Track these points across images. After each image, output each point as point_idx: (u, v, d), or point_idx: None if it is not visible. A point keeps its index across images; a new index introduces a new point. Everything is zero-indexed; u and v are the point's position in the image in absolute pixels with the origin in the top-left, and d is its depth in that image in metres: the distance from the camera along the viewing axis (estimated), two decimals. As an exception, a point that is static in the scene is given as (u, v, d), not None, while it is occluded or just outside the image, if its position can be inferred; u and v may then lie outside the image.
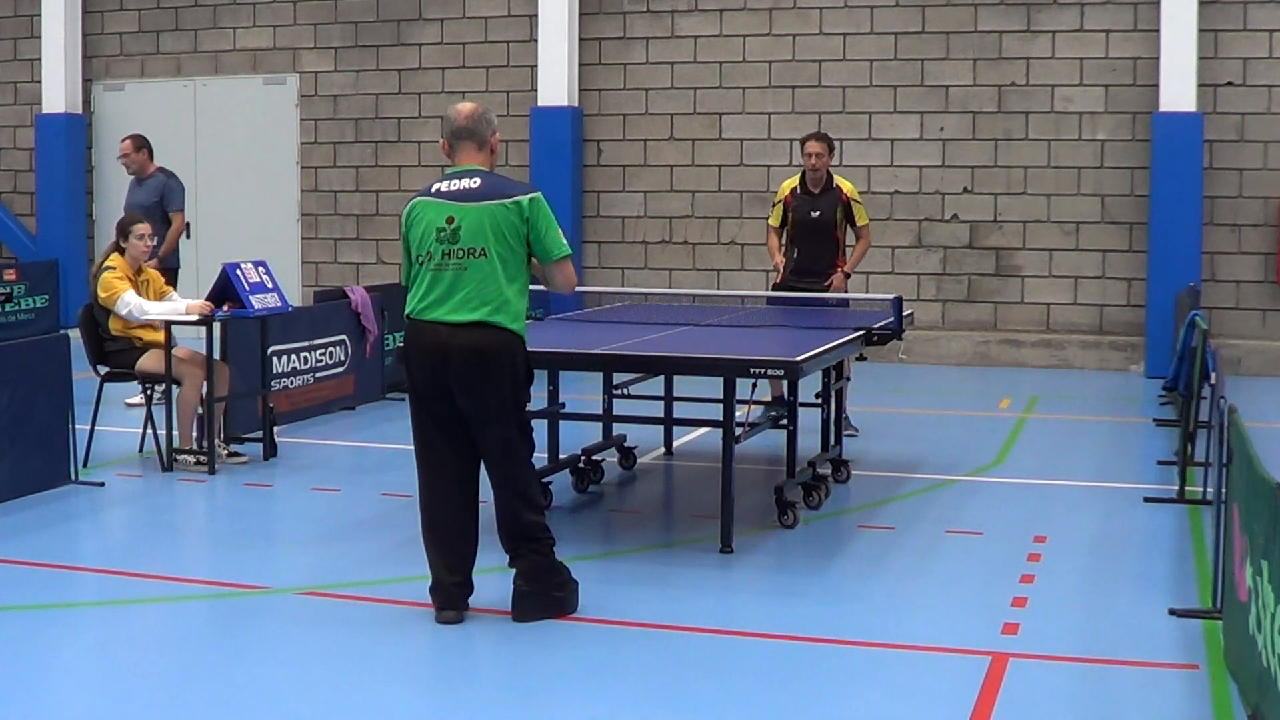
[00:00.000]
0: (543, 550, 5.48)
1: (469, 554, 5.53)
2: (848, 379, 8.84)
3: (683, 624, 5.43)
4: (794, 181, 9.73)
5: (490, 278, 5.27)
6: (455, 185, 5.37)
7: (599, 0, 14.57)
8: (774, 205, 9.82)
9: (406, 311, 5.43)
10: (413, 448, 5.59)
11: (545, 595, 5.47)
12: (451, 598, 5.47)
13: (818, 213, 9.52)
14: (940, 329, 13.84)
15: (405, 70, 15.29)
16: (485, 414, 5.37)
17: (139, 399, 9.20)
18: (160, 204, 10.81)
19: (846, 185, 9.66)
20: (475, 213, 5.28)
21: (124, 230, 8.52)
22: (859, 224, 9.60)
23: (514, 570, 5.50)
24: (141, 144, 11.11)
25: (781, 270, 9.63)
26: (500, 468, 5.46)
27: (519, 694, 4.71)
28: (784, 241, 9.70)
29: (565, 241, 5.46)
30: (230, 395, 8.62)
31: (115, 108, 16.30)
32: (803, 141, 9.70)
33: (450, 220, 5.29)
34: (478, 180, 5.37)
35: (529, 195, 5.37)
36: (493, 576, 5.79)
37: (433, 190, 5.42)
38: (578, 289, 5.92)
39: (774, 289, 9.84)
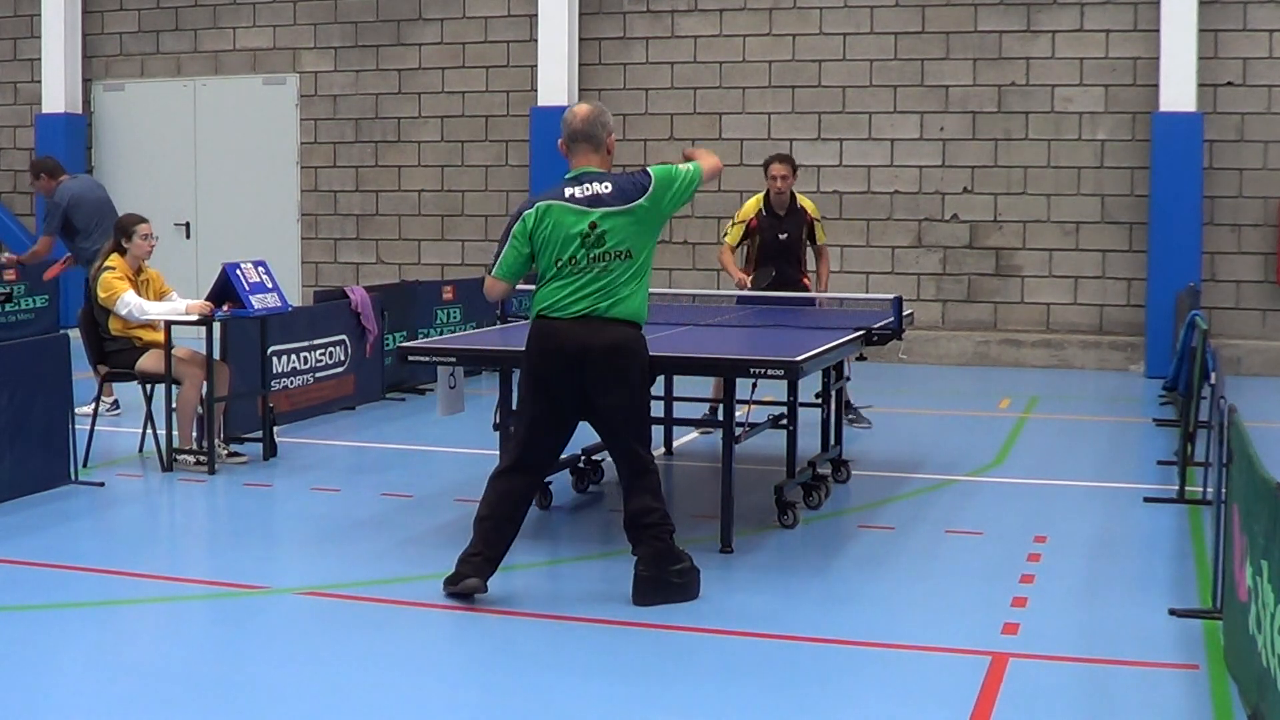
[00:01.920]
0: (661, 536, 5.65)
1: (509, 537, 5.71)
2: (847, 378, 8.84)
3: (683, 624, 5.44)
4: (757, 203, 9.62)
5: (632, 278, 5.57)
6: (588, 190, 5.59)
7: (599, 0, 14.57)
8: (734, 224, 9.67)
9: (539, 309, 5.63)
10: (516, 426, 5.83)
11: (663, 580, 5.62)
12: (476, 567, 5.62)
13: (785, 235, 9.54)
14: (940, 329, 13.85)
15: (405, 70, 15.30)
16: (622, 409, 5.66)
17: (89, 407, 9.18)
18: (67, 223, 10.24)
19: (810, 205, 9.68)
20: (618, 218, 5.55)
21: (126, 231, 8.51)
22: (819, 242, 9.63)
23: (635, 557, 5.67)
24: (37, 170, 10.48)
25: (749, 284, 9.49)
26: (632, 461, 5.70)
27: (518, 693, 4.71)
28: (746, 261, 9.67)
29: (688, 165, 5.77)
30: (230, 395, 8.62)
31: (115, 108, 16.31)
32: (766, 164, 9.59)
33: (594, 226, 5.53)
34: (608, 185, 5.61)
35: (649, 176, 5.63)
36: (493, 576, 5.78)
37: (566, 195, 5.60)
38: None
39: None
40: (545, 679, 4.86)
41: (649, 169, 5.72)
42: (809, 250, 9.74)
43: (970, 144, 13.71)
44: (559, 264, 5.56)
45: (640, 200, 5.58)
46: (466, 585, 5.59)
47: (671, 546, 5.66)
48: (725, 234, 9.75)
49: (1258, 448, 4.64)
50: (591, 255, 5.52)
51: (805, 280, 9.68)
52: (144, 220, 8.61)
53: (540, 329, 5.64)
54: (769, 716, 4.50)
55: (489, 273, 5.78)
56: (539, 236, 5.59)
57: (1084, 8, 13.35)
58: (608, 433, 5.80)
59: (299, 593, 5.88)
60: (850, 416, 9.71)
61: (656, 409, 8.13)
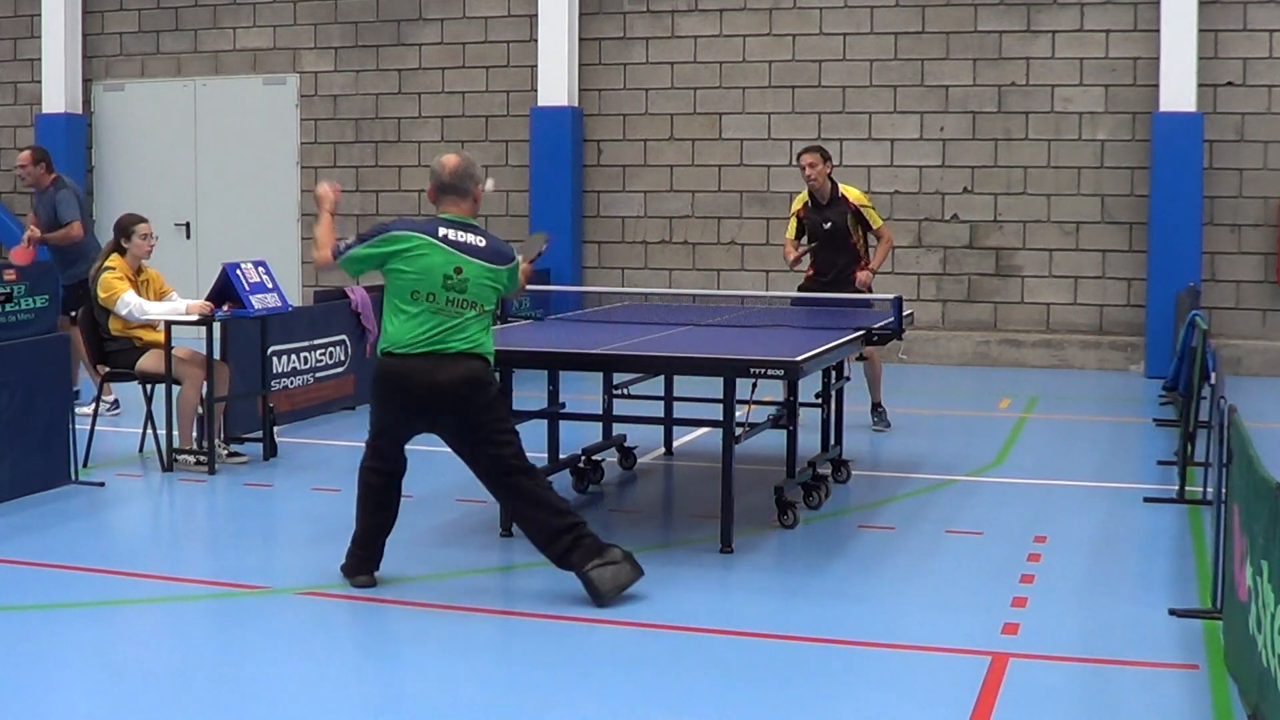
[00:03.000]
0: (584, 534, 5.65)
1: (377, 530, 5.99)
2: (847, 378, 8.84)
3: (683, 624, 5.44)
4: (804, 196, 9.89)
5: (479, 324, 5.77)
6: (462, 237, 5.80)
7: (599, 0, 14.57)
8: (790, 218, 9.99)
9: (386, 347, 5.72)
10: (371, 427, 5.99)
11: (609, 566, 5.60)
12: (357, 560, 5.91)
13: (829, 224, 9.73)
14: (940, 329, 13.84)
15: (405, 70, 15.29)
16: (476, 438, 5.73)
17: (89, 408, 9.20)
18: (58, 219, 10.43)
19: (853, 193, 9.82)
20: (482, 271, 5.75)
21: (125, 230, 8.51)
22: (875, 226, 9.75)
23: (573, 569, 5.63)
24: (40, 157, 10.60)
25: (797, 257, 9.76)
26: (504, 486, 5.78)
27: (518, 693, 4.71)
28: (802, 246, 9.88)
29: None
30: (230, 395, 8.62)
31: (115, 108, 16.30)
32: (799, 156, 9.86)
33: (459, 271, 5.72)
34: (482, 239, 5.84)
35: (514, 261, 5.94)
36: (493, 576, 5.79)
37: (440, 235, 5.75)
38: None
39: (799, 290, 9.99)
40: (545, 678, 4.86)
41: (517, 257, 6.02)
42: (865, 237, 9.79)
43: (970, 144, 13.71)
44: (415, 296, 5.67)
45: (504, 268, 5.84)
46: (354, 583, 5.85)
47: (597, 540, 5.69)
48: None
49: (1258, 448, 4.64)
50: (449, 298, 5.68)
51: (858, 270, 9.72)
52: (144, 220, 8.61)
53: (387, 367, 5.74)
54: (769, 716, 4.50)
55: (330, 250, 5.84)
56: (402, 260, 5.69)
57: (1084, 8, 13.34)
58: (471, 464, 5.85)
59: (299, 593, 5.88)
60: (876, 417, 9.91)
61: (656, 409, 8.17)
